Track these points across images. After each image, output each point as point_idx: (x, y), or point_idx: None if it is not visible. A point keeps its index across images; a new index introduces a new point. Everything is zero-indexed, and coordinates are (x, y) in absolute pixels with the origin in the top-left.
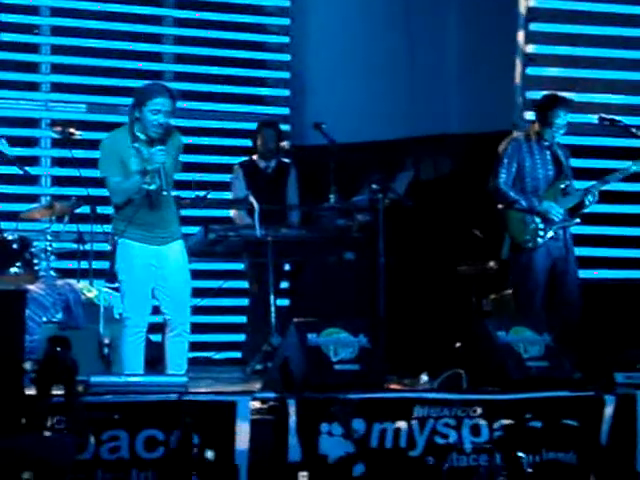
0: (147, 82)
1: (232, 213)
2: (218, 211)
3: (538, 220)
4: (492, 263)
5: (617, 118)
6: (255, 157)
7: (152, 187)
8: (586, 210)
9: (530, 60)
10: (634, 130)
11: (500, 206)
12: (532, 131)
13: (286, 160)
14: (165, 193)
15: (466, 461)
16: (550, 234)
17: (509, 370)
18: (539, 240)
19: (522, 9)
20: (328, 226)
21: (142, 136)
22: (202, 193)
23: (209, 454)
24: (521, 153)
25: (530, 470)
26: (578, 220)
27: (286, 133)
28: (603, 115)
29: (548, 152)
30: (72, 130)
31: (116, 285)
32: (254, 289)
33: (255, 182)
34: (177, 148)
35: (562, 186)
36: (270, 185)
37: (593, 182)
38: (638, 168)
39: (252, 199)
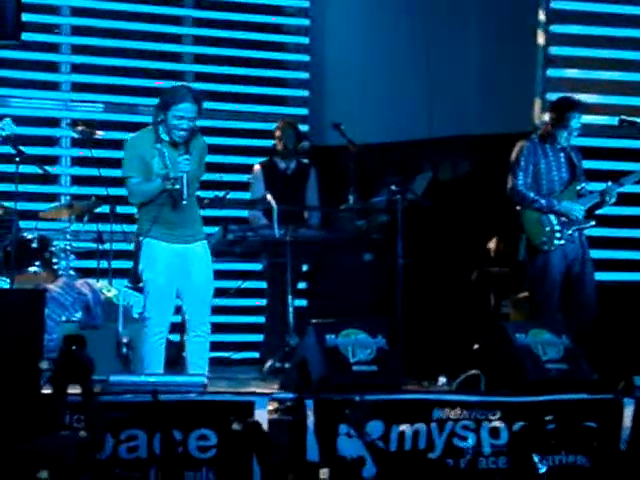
0: (173, 83)
1: (248, 214)
2: (237, 211)
3: (555, 222)
4: (509, 265)
5: (638, 120)
6: (276, 158)
7: (176, 186)
8: (601, 212)
9: (550, 62)
10: None
11: (518, 207)
12: (546, 133)
13: (306, 161)
14: (185, 202)
15: (485, 464)
16: (567, 236)
17: (527, 372)
18: (555, 242)
19: (543, 11)
20: (347, 227)
21: (166, 138)
22: (221, 193)
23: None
24: (536, 155)
25: (544, 471)
26: (593, 222)
27: (306, 134)
28: (624, 117)
29: (562, 154)
30: (93, 130)
31: (139, 286)
32: (272, 289)
33: (274, 183)
34: (201, 150)
35: (578, 188)
36: (289, 186)
37: (607, 184)
38: None
39: (271, 199)
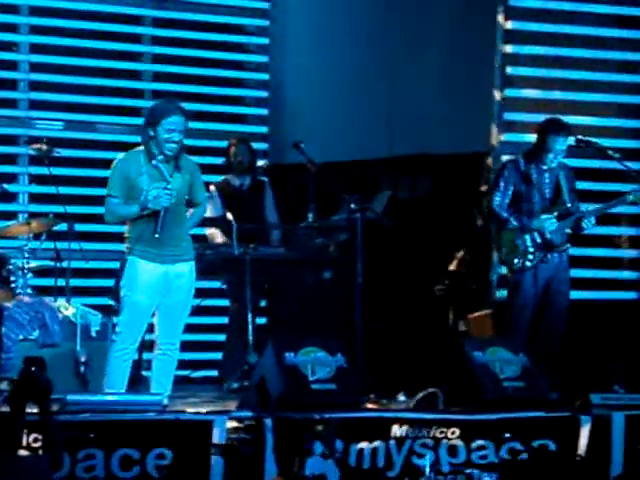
0: (158, 101)
1: (207, 231)
2: (196, 229)
3: (529, 244)
4: (471, 283)
5: (593, 140)
6: (229, 176)
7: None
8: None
9: (508, 81)
10: (610, 152)
11: (495, 227)
12: (532, 153)
13: (262, 178)
14: (157, 236)
15: None
16: (539, 258)
17: (485, 390)
18: (527, 263)
19: (500, 31)
20: (306, 245)
21: (159, 155)
22: None
23: None
24: (518, 176)
25: None
26: (569, 246)
27: (264, 152)
28: (580, 137)
29: (547, 175)
30: (50, 148)
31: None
32: (234, 307)
33: (231, 200)
34: (192, 170)
35: (555, 213)
36: (246, 203)
37: (589, 206)
38: (635, 199)
39: (230, 217)
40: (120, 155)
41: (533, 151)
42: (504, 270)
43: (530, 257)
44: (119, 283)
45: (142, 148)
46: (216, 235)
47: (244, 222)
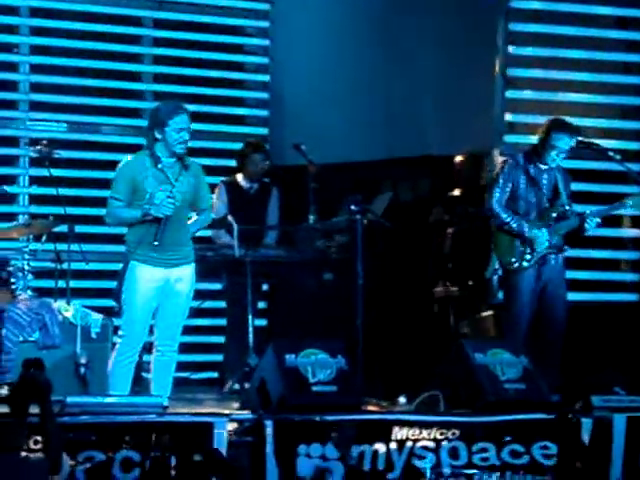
0: (159, 103)
1: (211, 232)
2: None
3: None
4: (470, 283)
5: (595, 141)
6: (239, 177)
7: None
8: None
9: (509, 83)
10: (611, 153)
11: (493, 226)
12: (533, 152)
13: (266, 180)
14: (156, 243)
15: None
16: (538, 258)
17: (486, 392)
18: (524, 263)
19: (501, 32)
20: (307, 247)
21: (165, 157)
22: None
23: None
24: (517, 174)
25: None
26: (567, 248)
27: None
28: (581, 138)
29: (546, 175)
30: (50, 149)
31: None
32: (233, 309)
33: (236, 202)
34: (196, 173)
35: (554, 214)
36: (252, 205)
37: (589, 207)
38: (634, 203)
39: (231, 218)
40: (127, 157)
41: (534, 150)
42: (500, 271)
43: (527, 257)
44: (121, 285)
45: (147, 151)
46: (221, 235)
47: (248, 224)
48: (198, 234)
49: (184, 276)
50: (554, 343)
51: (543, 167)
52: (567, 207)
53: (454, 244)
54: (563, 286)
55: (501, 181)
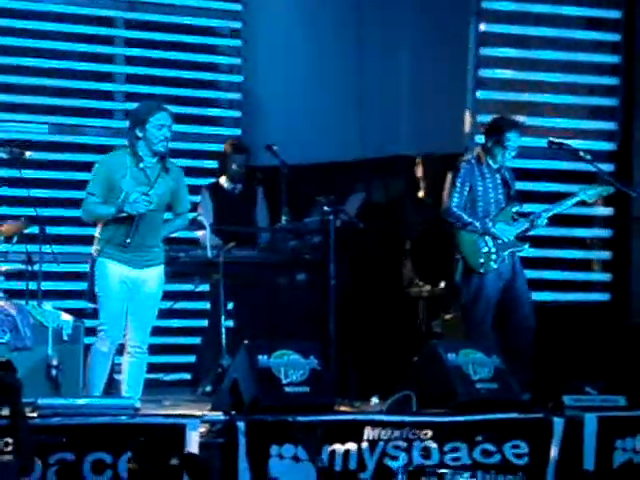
0: (139, 104)
1: (199, 234)
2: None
3: (491, 244)
4: (442, 284)
5: (565, 142)
6: (222, 179)
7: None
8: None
9: (480, 84)
10: (582, 154)
11: (453, 228)
12: (482, 153)
13: (255, 183)
14: (128, 241)
15: None
16: (502, 258)
17: (458, 392)
18: (492, 264)
19: (472, 33)
20: (280, 247)
21: (147, 155)
22: None
23: None
24: (473, 176)
25: None
26: (527, 245)
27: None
28: (552, 139)
29: (498, 175)
30: (21, 150)
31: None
32: (213, 310)
33: (221, 204)
34: (177, 176)
35: (513, 210)
36: (237, 206)
37: (541, 206)
38: (585, 197)
39: (201, 219)
40: (106, 154)
41: (485, 151)
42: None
43: (494, 257)
44: (92, 284)
45: (128, 149)
46: (207, 237)
47: (235, 225)
48: (182, 235)
49: (153, 277)
50: (526, 341)
51: (495, 166)
52: (520, 205)
53: (425, 244)
54: (526, 282)
55: (458, 185)
